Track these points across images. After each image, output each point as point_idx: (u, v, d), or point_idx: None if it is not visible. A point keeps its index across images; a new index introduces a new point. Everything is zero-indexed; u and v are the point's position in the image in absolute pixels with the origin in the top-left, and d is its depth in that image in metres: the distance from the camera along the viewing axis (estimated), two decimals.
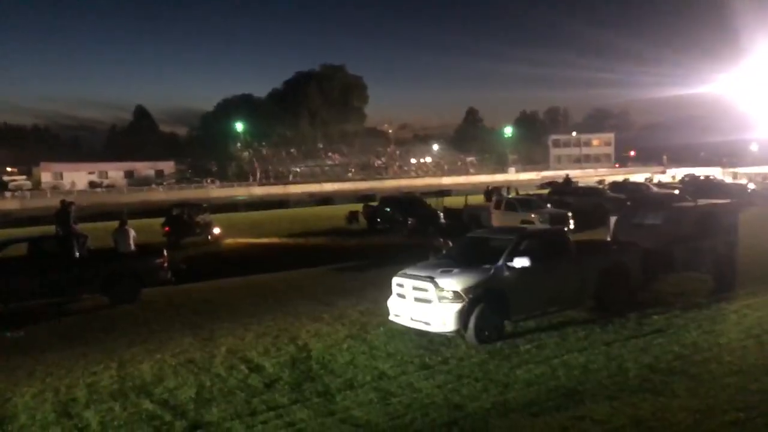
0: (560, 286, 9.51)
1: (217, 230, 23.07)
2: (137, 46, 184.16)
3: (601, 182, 44.81)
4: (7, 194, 57.84)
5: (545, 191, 32.99)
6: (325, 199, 46.87)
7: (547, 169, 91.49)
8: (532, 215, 21.81)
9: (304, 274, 15.99)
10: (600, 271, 9.98)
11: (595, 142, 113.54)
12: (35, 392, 7.51)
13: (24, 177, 74.63)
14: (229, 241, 23.13)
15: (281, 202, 44.44)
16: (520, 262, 8.82)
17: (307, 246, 21.92)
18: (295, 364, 8.10)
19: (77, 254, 12.57)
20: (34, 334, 10.74)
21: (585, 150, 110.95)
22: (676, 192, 29.66)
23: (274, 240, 23.69)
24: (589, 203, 27.02)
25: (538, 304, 9.26)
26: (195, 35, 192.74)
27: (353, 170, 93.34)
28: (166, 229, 22.11)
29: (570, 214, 22.37)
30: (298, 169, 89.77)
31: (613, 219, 13.13)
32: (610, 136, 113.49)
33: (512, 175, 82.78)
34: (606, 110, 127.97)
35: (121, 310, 12.23)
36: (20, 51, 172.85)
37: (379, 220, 25.87)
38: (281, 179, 79.61)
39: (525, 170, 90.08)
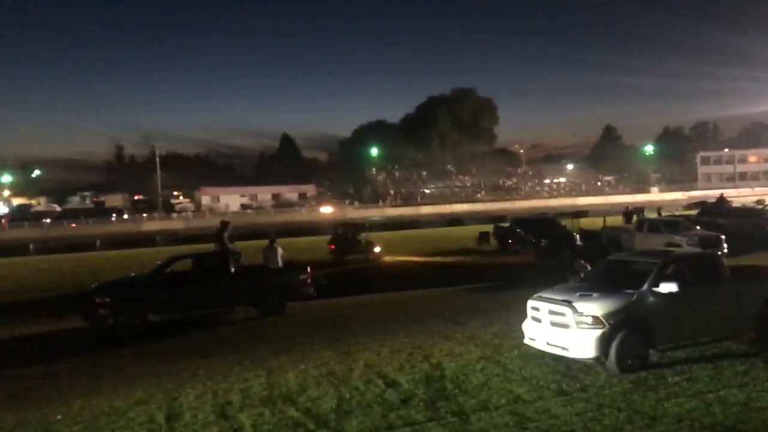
0: (713, 314, 8.75)
1: (377, 249, 23.86)
2: (283, 79, 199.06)
3: (760, 202, 40.24)
4: (174, 215, 65.01)
5: (692, 212, 30.35)
6: (455, 220, 47.00)
7: (694, 188, 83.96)
8: (679, 238, 20.22)
9: (436, 293, 16.18)
10: (762, 300, 9.04)
11: (751, 159, 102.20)
12: (197, 394, 8.29)
13: (188, 200, 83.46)
14: (387, 258, 24.10)
15: (412, 223, 45.30)
16: (667, 287, 8.26)
17: (438, 265, 22.13)
18: (430, 381, 8.22)
19: (232, 270, 13.84)
20: (196, 341, 11.99)
21: (740, 167, 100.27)
22: None
23: (421, 258, 24.51)
24: (746, 225, 24.41)
25: (687, 333, 8.58)
26: (334, 66, 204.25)
27: (483, 191, 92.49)
28: (332, 247, 23.68)
29: (723, 237, 20.42)
30: (428, 191, 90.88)
31: None
32: None
33: (654, 195, 77.08)
34: (764, 124, 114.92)
35: (269, 321, 13.24)
36: (183, 86, 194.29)
37: (510, 241, 25.42)
38: (412, 201, 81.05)
39: (669, 190, 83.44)
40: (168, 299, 13.30)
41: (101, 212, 69.63)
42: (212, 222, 30.99)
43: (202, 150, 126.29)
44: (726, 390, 7.27)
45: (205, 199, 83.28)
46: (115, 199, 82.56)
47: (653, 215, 26.46)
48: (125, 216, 64.21)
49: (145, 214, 64.23)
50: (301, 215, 64.31)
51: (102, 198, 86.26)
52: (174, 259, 14.20)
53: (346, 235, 24.37)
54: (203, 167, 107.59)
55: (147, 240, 38.60)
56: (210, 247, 16.53)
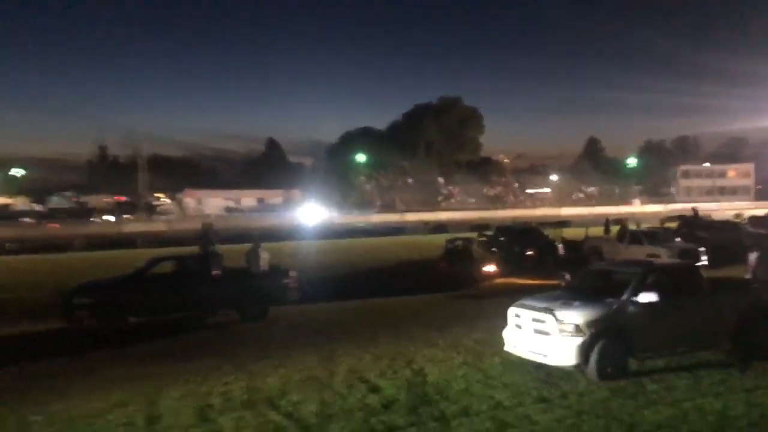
0: (691, 324, 8.88)
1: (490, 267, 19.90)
2: (269, 83, 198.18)
3: (738, 216, 40.95)
4: (156, 217, 64.46)
5: (672, 224, 30.83)
6: (440, 228, 47.13)
7: (674, 201, 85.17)
8: (659, 249, 20.51)
9: (419, 299, 16.23)
10: (739, 311, 9.21)
11: (731, 173, 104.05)
12: (178, 396, 8.23)
13: (171, 202, 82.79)
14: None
15: (397, 230, 45.37)
16: (647, 297, 8.39)
17: (421, 272, 22.18)
18: (412, 387, 8.25)
19: (214, 273, 13.75)
20: (177, 344, 11.90)
21: (719, 181, 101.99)
22: None
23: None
24: (724, 238, 24.85)
25: (665, 343, 8.71)
26: (321, 72, 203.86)
27: (467, 200, 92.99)
28: (443, 266, 20.43)
29: (702, 249, 20.77)
30: (412, 198, 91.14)
31: (753, 256, 12.07)
32: (749, 166, 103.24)
33: (636, 207, 78.07)
34: (744, 139, 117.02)
35: (251, 326, 13.18)
36: (169, 88, 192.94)
37: (494, 249, 25.55)
38: (397, 208, 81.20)
39: (651, 202, 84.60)
40: (149, 301, 13.17)
41: (82, 212, 68.83)
42: (195, 224, 30.71)
43: (186, 152, 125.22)
44: (703, 399, 7.39)
45: (189, 202, 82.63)
46: (96, 200, 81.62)
47: (633, 227, 26.79)
48: (106, 217, 63.48)
49: (126, 216, 63.57)
50: (285, 219, 64.12)
51: (83, 198, 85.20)
52: (155, 261, 14.07)
53: (458, 248, 20.62)
54: (188, 170, 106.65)
55: (128, 241, 38.14)
56: (193, 249, 16.46)
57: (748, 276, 11.64)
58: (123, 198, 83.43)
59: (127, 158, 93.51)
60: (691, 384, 7.97)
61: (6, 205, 77.31)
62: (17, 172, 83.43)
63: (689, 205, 57.31)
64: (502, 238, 25.53)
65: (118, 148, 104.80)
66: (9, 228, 51.22)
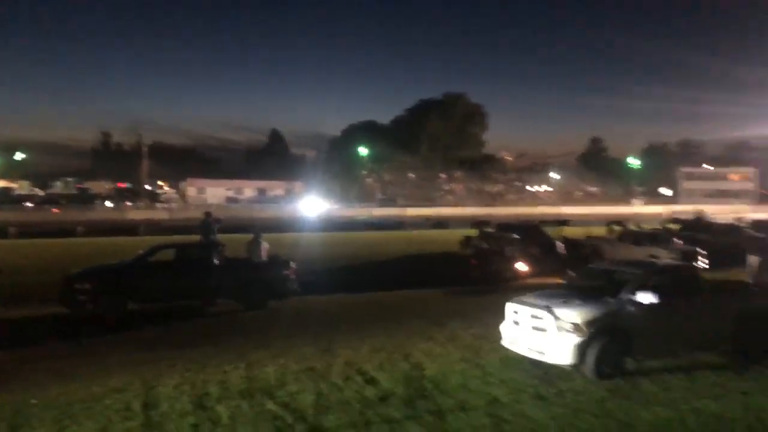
0: (690, 326, 8.90)
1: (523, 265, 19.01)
2: (274, 75, 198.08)
3: (739, 219, 40.92)
4: (158, 206, 64.50)
5: (674, 226, 30.82)
6: (441, 223, 47.01)
7: (676, 203, 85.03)
8: (660, 250, 20.52)
9: (418, 294, 16.24)
10: (737, 313, 9.22)
11: (733, 177, 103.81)
12: (175, 383, 8.25)
13: (173, 191, 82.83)
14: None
15: (398, 224, 45.29)
16: (647, 297, 8.40)
17: (422, 268, 22.22)
18: (408, 381, 8.27)
19: (215, 262, 13.78)
20: (176, 331, 11.94)
21: (722, 185, 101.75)
22: None
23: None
24: (725, 242, 24.86)
25: (664, 344, 8.72)
26: (326, 65, 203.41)
27: (469, 196, 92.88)
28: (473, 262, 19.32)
29: (702, 251, 20.79)
30: (414, 193, 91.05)
31: (753, 259, 12.07)
32: (751, 170, 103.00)
33: (638, 208, 77.96)
34: (747, 143, 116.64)
35: (251, 315, 13.22)
36: (174, 77, 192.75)
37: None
38: (398, 202, 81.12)
39: (652, 203, 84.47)
40: (149, 288, 13.20)
41: (85, 198, 68.86)
42: (197, 213, 30.71)
43: (189, 141, 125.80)
44: (700, 401, 7.40)
45: (191, 191, 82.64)
46: (99, 186, 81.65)
47: (634, 228, 26.81)
48: (106, 203, 63.50)
49: (129, 203, 63.60)
50: (288, 211, 64.05)
51: (86, 184, 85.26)
52: (157, 248, 14.09)
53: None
54: (190, 159, 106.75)
55: (130, 228, 38.15)
56: (194, 238, 16.48)
57: (748, 280, 11.62)
58: (124, 185, 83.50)
59: (131, 146, 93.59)
60: (687, 385, 7.99)
61: (8, 189, 77.39)
62: (19, 156, 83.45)
63: (690, 207, 57.41)
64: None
65: (122, 136, 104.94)
66: (10, 212, 51.26)
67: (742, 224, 32.89)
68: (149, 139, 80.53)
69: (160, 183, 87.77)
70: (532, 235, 24.49)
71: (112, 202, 64.72)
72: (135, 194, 74.46)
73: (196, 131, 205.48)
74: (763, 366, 8.69)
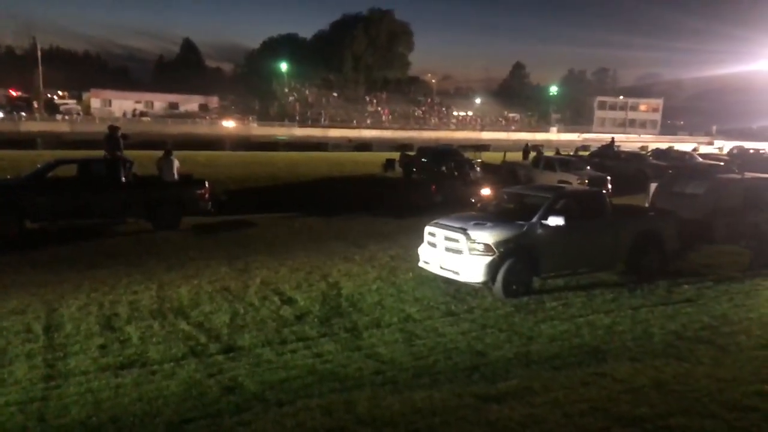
0: (592, 247, 9.49)
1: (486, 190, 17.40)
2: None
3: (643, 148, 43.51)
4: (58, 117, 59.48)
5: (584, 153, 32.39)
6: (363, 145, 46.71)
7: (589, 131, 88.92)
8: (571, 176, 21.54)
9: (339, 216, 16.23)
10: (634, 235, 9.91)
11: (642, 107, 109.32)
12: (80, 305, 7.93)
13: (74, 101, 76.34)
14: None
15: (319, 145, 44.54)
16: (555, 220, 8.80)
17: (343, 189, 22.14)
18: (326, 300, 8.38)
19: (123, 179, 13.01)
20: (81, 251, 11.33)
21: (631, 114, 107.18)
22: (722, 163, 28.65)
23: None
24: (629, 168, 26.54)
25: (568, 264, 9.28)
26: None
27: (392, 118, 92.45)
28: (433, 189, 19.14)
29: (609, 177, 22.02)
30: (336, 113, 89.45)
31: (653, 186, 12.89)
32: (659, 102, 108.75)
33: (554, 135, 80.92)
34: (657, 76, 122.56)
35: (162, 235, 12.74)
36: None
37: (414, 170, 25.80)
38: (320, 122, 79.51)
39: (567, 131, 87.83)
40: (49, 206, 12.32)
41: None
42: (101, 127, 28.73)
43: (92, 48, 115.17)
44: (594, 315, 8.02)
45: (95, 102, 76.56)
46: None
47: (550, 153, 27.88)
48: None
49: (24, 113, 58.28)
50: (202, 128, 61.21)
51: None
52: (57, 162, 13.08)
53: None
54: (93, 67, 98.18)
55: (26, 141, 35.12)
56: (99, 153, 15.43)
57: (646, 204, 12.44)
58: (17, 92, 75.95)
59: (24, 50, 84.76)
60: (585, 302, 8.60)
61: None
62: None
63: (603, 136, 60.17)
64: (423, 159, 25.75)
65: (13, 39, 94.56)
66: None
67: (645, 152, 35.09)
68: (45, 43, 73.20)
69: (60, 93, 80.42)
70: (451, 159, 24.88)
71: (2, 112, 59.00)
72: (29, 104, 68.12)
73: (99, 37, 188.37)
74: (654, 285, 9.46)
